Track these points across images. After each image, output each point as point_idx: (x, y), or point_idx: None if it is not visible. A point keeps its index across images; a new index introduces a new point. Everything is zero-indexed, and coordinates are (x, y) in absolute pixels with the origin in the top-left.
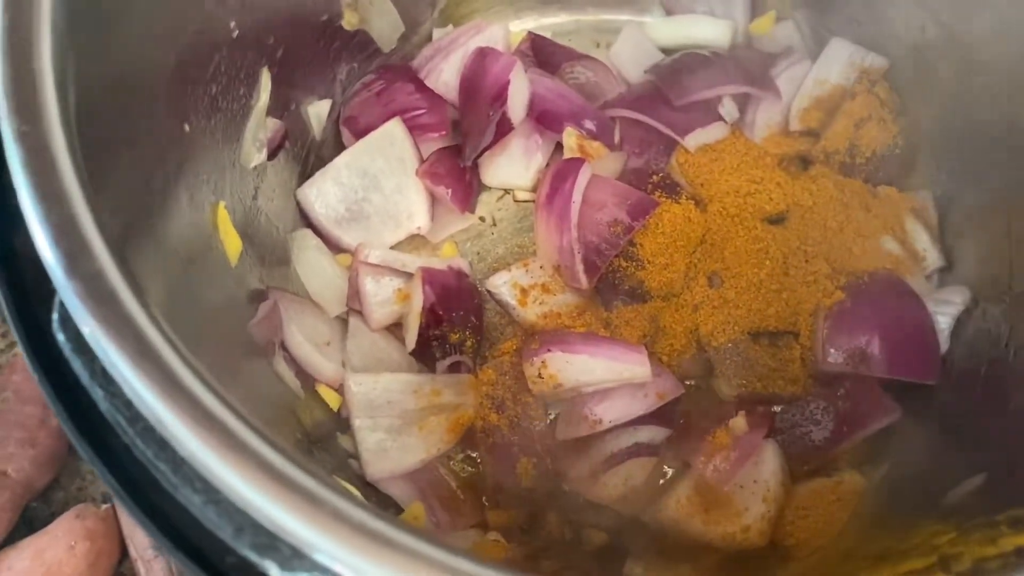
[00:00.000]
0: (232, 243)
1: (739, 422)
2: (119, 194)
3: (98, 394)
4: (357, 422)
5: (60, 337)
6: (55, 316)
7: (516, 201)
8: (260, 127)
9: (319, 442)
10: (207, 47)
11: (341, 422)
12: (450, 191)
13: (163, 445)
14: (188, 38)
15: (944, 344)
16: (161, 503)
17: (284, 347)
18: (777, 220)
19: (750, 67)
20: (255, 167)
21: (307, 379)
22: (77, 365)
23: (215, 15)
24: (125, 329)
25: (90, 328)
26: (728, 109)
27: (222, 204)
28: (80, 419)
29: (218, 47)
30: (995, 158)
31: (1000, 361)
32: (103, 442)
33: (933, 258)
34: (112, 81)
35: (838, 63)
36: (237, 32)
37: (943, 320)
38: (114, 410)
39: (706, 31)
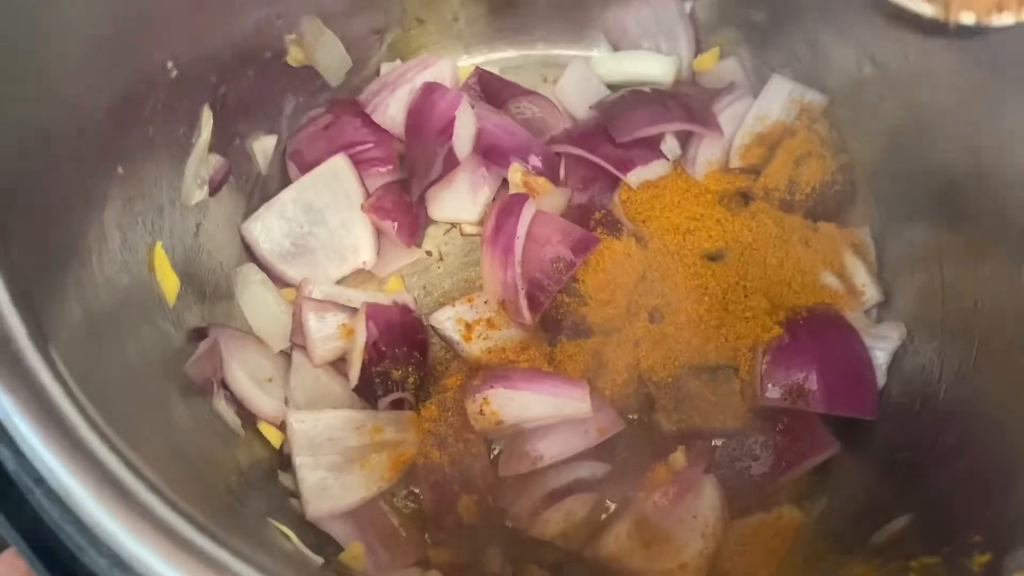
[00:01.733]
0: (170, 283)
1: (679, 457)
2: (32, 244)
3: (4, 453)
4: (299, 460)
5: None
6: None
7: (463, 235)
8: (202, 164)
9: (255, 483)
10: (142, 88)
11: (282, 459)
12: (396, 225)
13: (67, 508)
14: (121, 81)
15: (881, 379)
16: (68, 563)
17: (224, 385)
18: (717, 256)
19: (692, 104)
20: (196, 203)
21: (248, 417)
22: None
23: (150, 56)
24: (24, 387)
25: None
26: (670, 146)
27: (159, 244)
28: None
29: (154, 88)
30: (930, 197)
31: (932, 398)
32: (9, 499)
33: (872, 293)
34: (33, 128)
35: (779, 100)
36: (176, 72)
37: (881, 355)
38: (20, 471)
39: (651, 67)
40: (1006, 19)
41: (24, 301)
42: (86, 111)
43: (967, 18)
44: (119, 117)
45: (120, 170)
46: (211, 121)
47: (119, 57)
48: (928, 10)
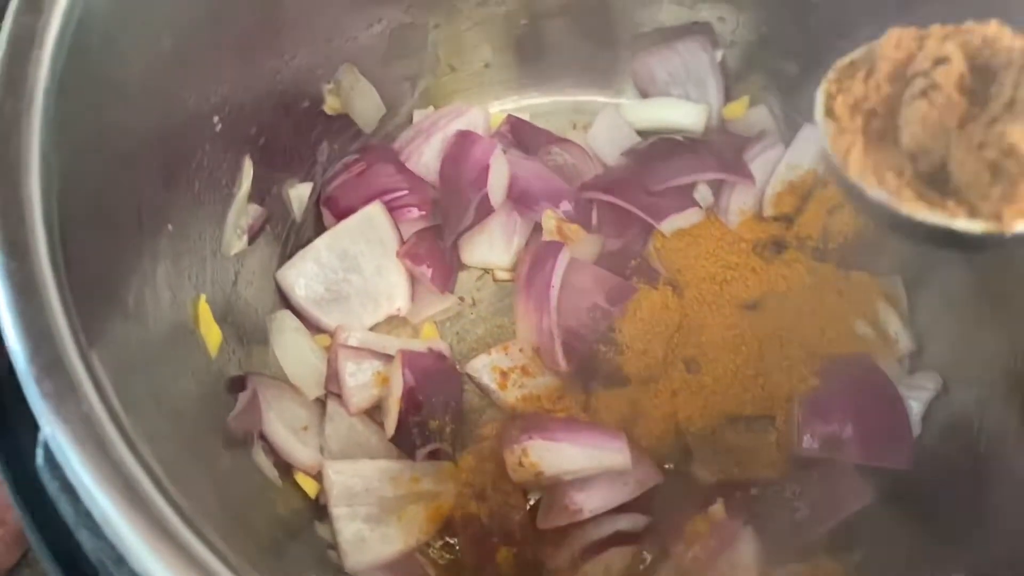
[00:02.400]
0: (213, 336)
1: (718, 509)
2: (91, 309)
3: (67, 510)
4: (335, 511)
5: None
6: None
7: (495, 281)
8: (242, 214)
9: (296, 535)
10: (190, 145)
11: (319, 510)
12: (430, 271)
13: (120, 561)
14: (172, 141)
15: (916, 429)
16: None
17: (263, 436)
18: (753, 306)
19: (724, 152)
20: (236, 254)
21: (285, 468)
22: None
23: (199, 112)
24: (87, 437)
25: (51, 429)
26: (703, 194)
27: (203, 297)
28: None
29: (201, 143)
30: (964, 246)
31: (971, 449)
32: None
33: (905, 342)
34: (97, 198)
35: (810, 149)
36: (220, 126)
37: (915, 405)
38: (83, 529)
39: (680, 115)
40: None
41: (91, 364)
42: (141, 170)
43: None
44: (169, 174)
45: (170, 227)
46: (251, 171)
47: (170, 114)
48: (979, 227)
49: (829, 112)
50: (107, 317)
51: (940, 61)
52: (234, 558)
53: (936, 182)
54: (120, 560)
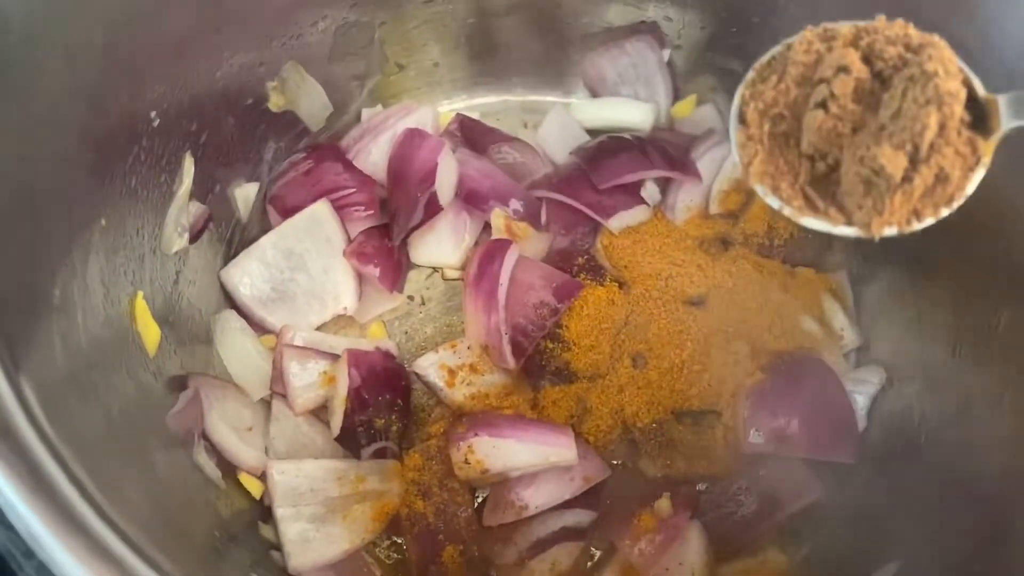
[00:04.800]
0: (151, 333)
1: (664, 504)
2: (14, 301)
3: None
4: (280, 511)
5: None
6: None
7: (444, 279)
8: (182, 212)
9: (237, 536)
10: (126, 139)
11: (263, 511)
12: (378, 270)
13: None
14: (105, 133)
15: (861, 423)
16: None
17: (205, 436)
18: (698, 302)
19: (671, 151)
20: (176, 251)
21: (228, 468)
22: None
23: (135, 107)
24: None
25: None
26: (650, 192)
27: (140, 294)
28: None
29: (138, 138)
30: (905, 241)
31: (913, 443)
32: None
33: (851, 337)
34: (16, 183)
35: None
36: (158, 121)
37: (860, 399)
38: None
39: (630, 114)
40: (927, 221)
41: (7, 358)
42: (71, 165)
43: (889, 232)
44: (103, 169)
45: (103, 222)
46: (192, 169)
47: (103, 109)
48: (851, 232)
49: (742, 118)
50: (31, 311)
51: (842, 68)
52: (157, 555)
53: (830, 183)
54: (29, 552)
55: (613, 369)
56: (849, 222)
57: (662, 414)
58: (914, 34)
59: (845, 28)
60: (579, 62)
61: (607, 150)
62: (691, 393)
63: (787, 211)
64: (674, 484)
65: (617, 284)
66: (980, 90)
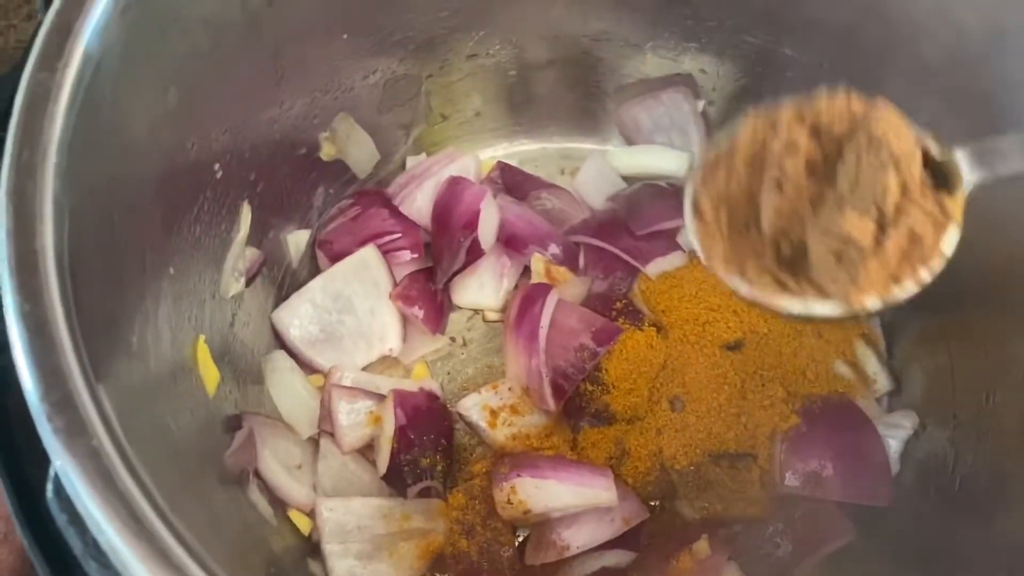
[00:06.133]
0: (211, 375)
1: (702, 545)
2: (104, 347)
3: (75, 542)
4: (328, 547)
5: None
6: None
7: (485, 321)
8: (240, 258)
9: (287, 570)
10: (192, 192)
11: (312, 547)
12: (422, 312)
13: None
14: (175, 188)
15: (895, 467)
16: None
17: (258, 474)
18: (735, 346)
19: None
20: (233, 296)
21: (279, 505)
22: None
23: (201, 161)
24: (96, 471)
25: (61, 463)
26: (686, 238)
27: (202, 338)
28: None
29: (203, 190)
30: (937, 289)
31: (946, 488)
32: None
33: (883, 382)
34: (105, 244)
35: None
36: (220, 174)
37: (893, 443)
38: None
39: (665, 162)
40: (909, 288)
41: (94, 395)
42: (146, 216)
43: (872, 303)
44: (173, 219)
45: (171, 271)
46: (249, 217)
47: (176, 162)
48: (831, 310)
49: (696, 210)
50: (113, 356)
51: (790, 146)
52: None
53: (798, 263)
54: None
55: (651, 412)
56: (824, 296)
57: (699, 456)
58: (856, 104)
59: (786, 107)
60: (615, 111)
61: (644, 197)
62: (728, 436)
63: (760, 297)
64: (711, 526)
65: (655, 328)
66: (934, 149)
